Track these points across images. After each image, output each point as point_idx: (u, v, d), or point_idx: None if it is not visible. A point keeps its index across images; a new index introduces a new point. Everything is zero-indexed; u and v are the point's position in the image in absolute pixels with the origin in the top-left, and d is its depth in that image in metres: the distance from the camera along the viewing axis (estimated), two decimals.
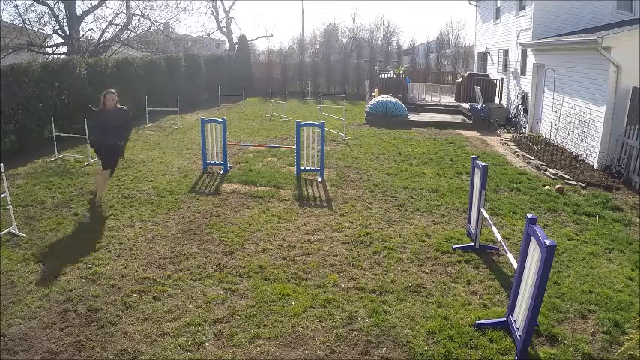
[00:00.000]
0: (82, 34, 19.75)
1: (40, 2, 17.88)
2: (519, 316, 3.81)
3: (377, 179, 8.80)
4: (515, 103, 16.16)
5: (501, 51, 17.88)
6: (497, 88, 17.80)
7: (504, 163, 10.41)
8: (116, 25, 20.51)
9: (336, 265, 5.33)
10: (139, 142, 12.09)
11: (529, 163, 10.39)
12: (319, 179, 8.72)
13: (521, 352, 3.65)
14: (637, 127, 8.60)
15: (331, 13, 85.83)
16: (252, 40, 34.22)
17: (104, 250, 5.61)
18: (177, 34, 26.89)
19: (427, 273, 5.17)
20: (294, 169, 9.09)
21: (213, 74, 21.92)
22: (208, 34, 35.34)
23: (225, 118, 9.57)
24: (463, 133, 14.49)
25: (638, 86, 8.84)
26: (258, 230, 6.29)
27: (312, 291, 4.73)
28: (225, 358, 3.74)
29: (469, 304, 4.52)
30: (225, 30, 34.64)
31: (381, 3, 68.36)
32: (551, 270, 4.06)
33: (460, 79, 18.86)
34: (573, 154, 10.71)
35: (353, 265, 5.32)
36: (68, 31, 18.47)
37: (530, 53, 14.33)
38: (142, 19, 20.98)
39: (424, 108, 18.67)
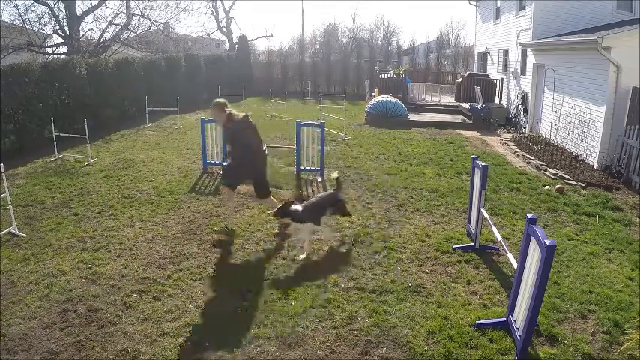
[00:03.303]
0: (82, 34, 19.78)
1: (40, 2, 17.89)
2: (519, 316, 3.81)
3: (377, 179, 8.80)
4: (515, 103, 16.16)
5: (501, 51, 17.88)
6: (497, 88, 17.81)
7: (504, 163, 10.41)
8: (116, 25, 20.55)
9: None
10: (138, 142, 12.09)
11: (529, 163, 10.39)
12: (319, 179, 8.72)
13: (521, 352, 3.65)
14: (637, 127, 8.60)
15: (331, 13, 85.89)
16: (252, 40, 34.24)
17: (104, 250, 5.61)
18: (177, 34, 26.92)
19: (427, 273, 5.17)
20: (294, 169, 9.09)
21: (213, 74, 21.91)
22: (208, 34, 35.38)
23: None
24: (463, 133, 14.49)
25: (638, 86, 8.84)
26: (258, 230, 6.29)
27: (312, 291, 4.73)
28: (225, 358, 3.74)
29: (469, 304, 4.52)
30: (225, 30, 34.67)
31: (381, 3, 68.41)
32: (551, 270, 4.06)
33: (460, 79, 18.87)
34: (573, 154, 10.72)
35: (353, 265, 5.32)
36: (68, 31, 18.48)
37: (530, 53, 14.33)
38: (141, 19, 21.03)
39: (424, 108, 18.67)
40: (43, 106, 11.21)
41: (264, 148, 6.13)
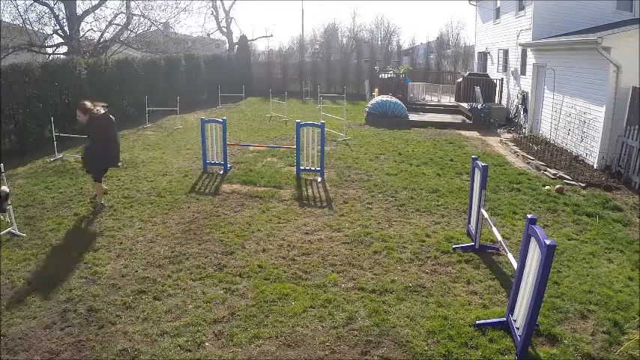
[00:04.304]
0: (82, 34, 19.75)
1: (40, 2, 17.88)
2: (519, 316, 3.81)
3: (377, 179, 8.80)
4: (515, 103, 16.16)
5: (501, 51, 17.88)
6: (497, 88, 17.81)
7: (504, 163, 10.41)
8: (116, 25, 20.52)
9: (336, 265, 5.33)
10: (138, 142, 12.09)
11: (529, 163, 10.39)
12: (319, 179, 8.72)
13: (521, 352, 3.65)
14: (637, 127, 8.60)
15: (331, 14, 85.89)
16: (252, 40, 34.23)
17: (104, 250, 5.61)
18: (177, 34, 26.88)
19: (427, 273, 5.17)
20: (294, 169, 9.09)
21: (213, 74, 21.91)
22: (208, 34, 35.37)
23: (225, 118, 9.57)
24: (463, 133, 14.49)
25: (638, 86, 8.84)
26: (258, 230, 6.29)
27: (312, 291, 4.73)
28: (225, 358, 3.74)
29: (469, 304, 4.52)
30: (225, 30, 34.66)
31: (381, 3, 68.41)
32: (551, 270, 4.06)
33: (460, 79, 18.86)
34: (573, 154, 10.72)
35: (353, 265, 5.32)
36: (68, 31, 18.47)
37: (530, 53, 14.34)
38: (142, 19, 20.98)
39: (424, 108, 18.66)
40: (43, 106, 11.21)
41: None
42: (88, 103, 6.82)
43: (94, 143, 6.84)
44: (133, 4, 20.61)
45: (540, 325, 4.09)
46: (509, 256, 4.54)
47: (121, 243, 5.83)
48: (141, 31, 21.54)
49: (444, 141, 12.78)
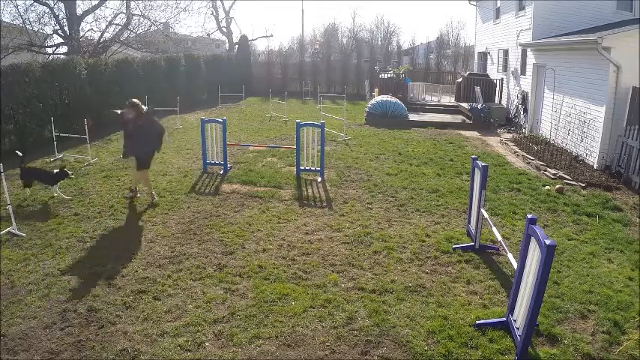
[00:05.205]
0: (82, 34, 19.76)
1: (40, 2, 17.88)
2: (519, 316, 3.81)
3: (377, 179, 8.80)
4: (515, 103, 16.16)
5: (501, 51, 17.89)
6: (497, 88, 17.81)
7: (504, 163, 10.40)
8: (116, 25, 20.53)
9: (336, 265, 5.33)
10: None
11: (529, 163, 10.39)
12: (319, 179, 8.72)
13: (521, 352, 3.65)
14: (637, 127, 8.60)
15: (331, 14, 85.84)
16: (253, 40, 34.22)
17: (104, 250, 5.61)
18: (178, 34, 26.88)
19: (427, 273, 5.17)
20: (294, 169, 9.09)
21: (213, 74, 21.91)
22: (208, 34, 35.36)
23: (225, 118, 9.57)
24: (463, 133, 14.49)
25: (638, 86, 8.84)
26: (258, 230, 6.29)
27: (312, 291, 4.73)
28: (225, 358, 3.74)
29: (469, 304, 4.52)
30: (225, 30, 34.67)
31: (381, 3, 68.42)
32: (551, 270, 4.06)
33: (460, 79, 18.86)
34: (573, 154, 10.72)
35: (353, 265, 5.32)
36: (68, 31, 18.48)
37: (530, 53, 14.34)
38: (142, 19, 21.00)
39: (424, 108, 18.66)
40: (43, 106, 11.21)
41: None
42: (136, 100, 7.30)
43: (139, 138, 7.22)
44: (133, 4, 20.63)
45: (540, 325, 4.09)
46: (509, 256, 4.54)
47: (121, 243, 5.83)
48: (141, 31, 21.56)
49: (444, 141, 12.78)
